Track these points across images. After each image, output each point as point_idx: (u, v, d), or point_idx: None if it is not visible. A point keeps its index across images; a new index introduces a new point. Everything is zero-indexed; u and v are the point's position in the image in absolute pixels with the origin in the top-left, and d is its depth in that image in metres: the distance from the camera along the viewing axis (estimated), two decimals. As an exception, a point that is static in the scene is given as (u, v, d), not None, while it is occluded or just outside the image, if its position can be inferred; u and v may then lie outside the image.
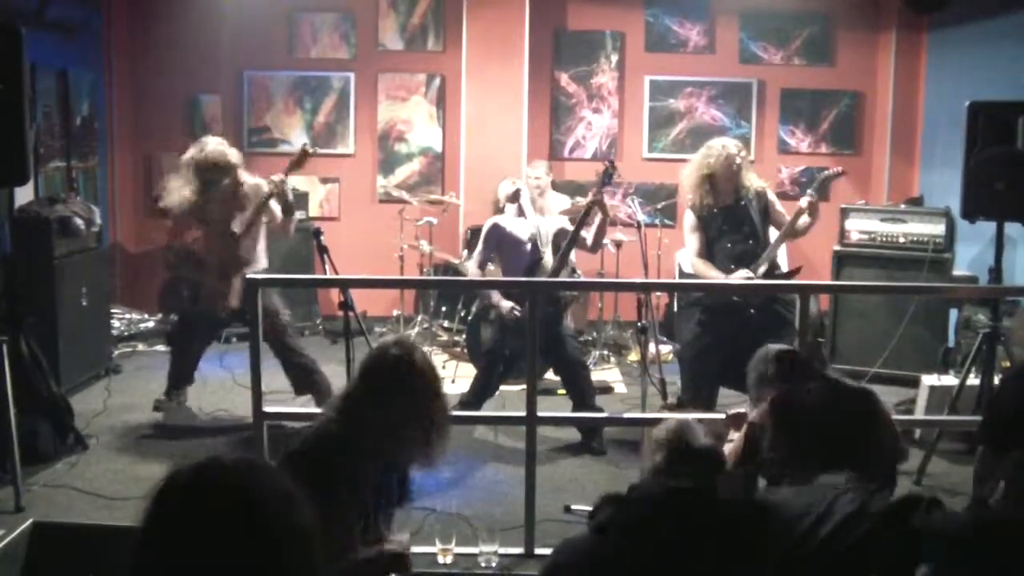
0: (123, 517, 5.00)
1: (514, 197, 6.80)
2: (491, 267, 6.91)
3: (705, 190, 6.30)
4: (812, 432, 3.67)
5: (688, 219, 6.50)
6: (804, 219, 6.24)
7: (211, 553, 1.80)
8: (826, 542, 3.25)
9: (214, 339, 7.17)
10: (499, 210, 6.98)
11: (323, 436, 3.40)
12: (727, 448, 4.38)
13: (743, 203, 6.32)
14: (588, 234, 6.59)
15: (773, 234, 6.38)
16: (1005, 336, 5.91)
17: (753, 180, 6.41)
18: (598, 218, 6.52)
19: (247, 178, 6.57)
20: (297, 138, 10.06)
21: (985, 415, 3.56)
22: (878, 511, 3.22)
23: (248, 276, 5.41)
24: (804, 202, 6.17)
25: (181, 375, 6.78)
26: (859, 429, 3.65)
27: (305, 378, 6.49)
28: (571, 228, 6.65)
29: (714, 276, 6.29)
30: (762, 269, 6.16)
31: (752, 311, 6.17)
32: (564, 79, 10.12)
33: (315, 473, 3.01)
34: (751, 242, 6.29)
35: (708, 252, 6.39)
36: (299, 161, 6.55)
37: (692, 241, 6.46)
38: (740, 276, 6.00)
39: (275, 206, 6.45)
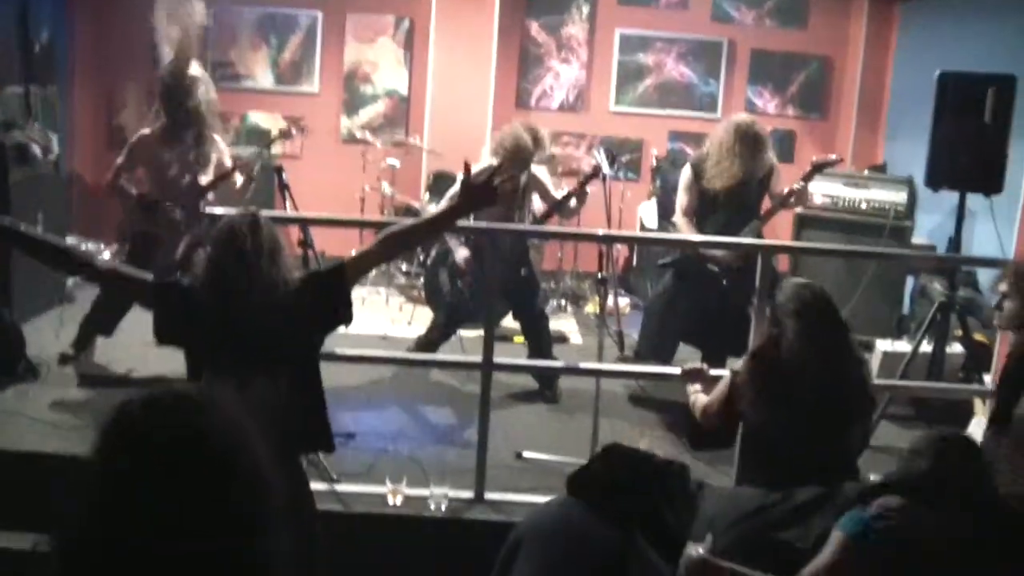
0: (72, 446, 4.97)
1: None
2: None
3: (723, 167, 6.22)
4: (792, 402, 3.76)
5: (686, 174, 6.46)
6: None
7: (162, 483, 1.76)
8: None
9: None
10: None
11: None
12: (693, 399, 4.45)
13: (749, 184, 6.29)
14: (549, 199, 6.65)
15: None
16: (962, 308, 5.99)
17: (770, 159, 6.39)
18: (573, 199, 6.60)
19: (217, 137, 6.29)
20: (262, 75, 9.96)
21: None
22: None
23: (208, 211, 5.31)
24: (796, 186, 6.18)
25: (102, 324, 6.35)
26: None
27: None
28: (551, 190, 6.67)
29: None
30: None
31: (725, 280, 6.20)
32: (534, 28, 10.05)
33: None
34: (739, 219, 6.28)
35: (698, 214, 6.38)
36: (279, 138, 6.42)
37: (683, 198, 6.44)
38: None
39: (238, 177, 6.26)
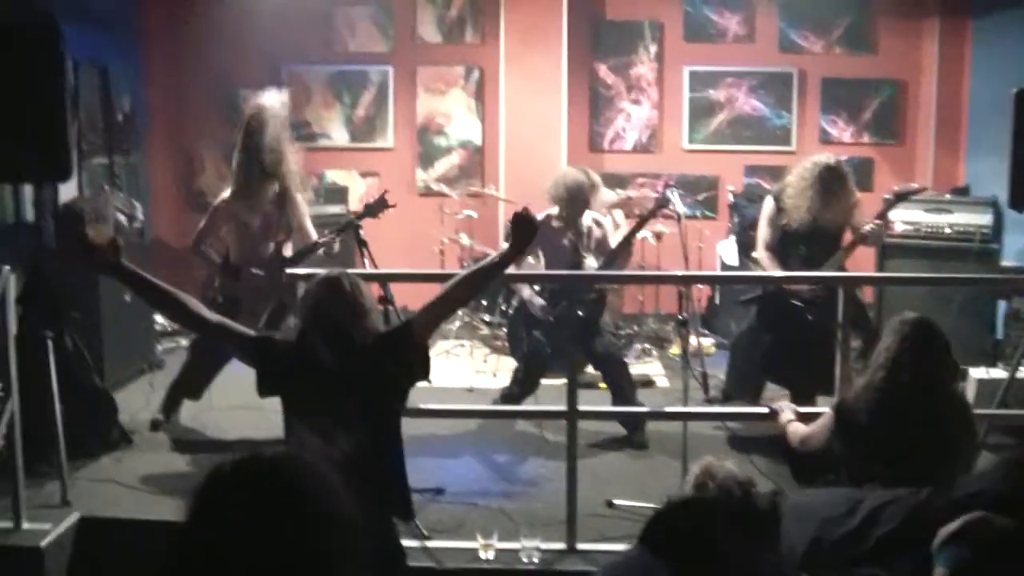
0: (167, 512, 5.05)
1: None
2: (531, 260, 6.87)
3: (797, 204, 6.18)
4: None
5: (767, 208, 6.44)
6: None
7: (253, 545, 1.81)
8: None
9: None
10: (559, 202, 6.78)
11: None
12: (790, 430, 4.45)
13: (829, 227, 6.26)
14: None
15: None
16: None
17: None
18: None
19: (299, 197, 6.37)
20: (337, 132, 10.12)
21: None
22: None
23: (289, 271, 5.38)
24: (870, 227, 6.10)
25: (190, 389, 6.48)
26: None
27: None
28: (609, 240, 6.73)
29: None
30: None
31: (810, 316, 6.13)
32: (603, 70, 10.08)
33: None
34: (822, 254, 6.22)
35: (779, 247, 6.34)
36: (374, 211, 6.30)
37: (765, 231, 6.42)
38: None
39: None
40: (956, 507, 3.03)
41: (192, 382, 6.48)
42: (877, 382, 3.98)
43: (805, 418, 4.56)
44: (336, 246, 6.34)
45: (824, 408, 4.39)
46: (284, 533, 1.83)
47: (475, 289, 4.13)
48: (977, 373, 6.46)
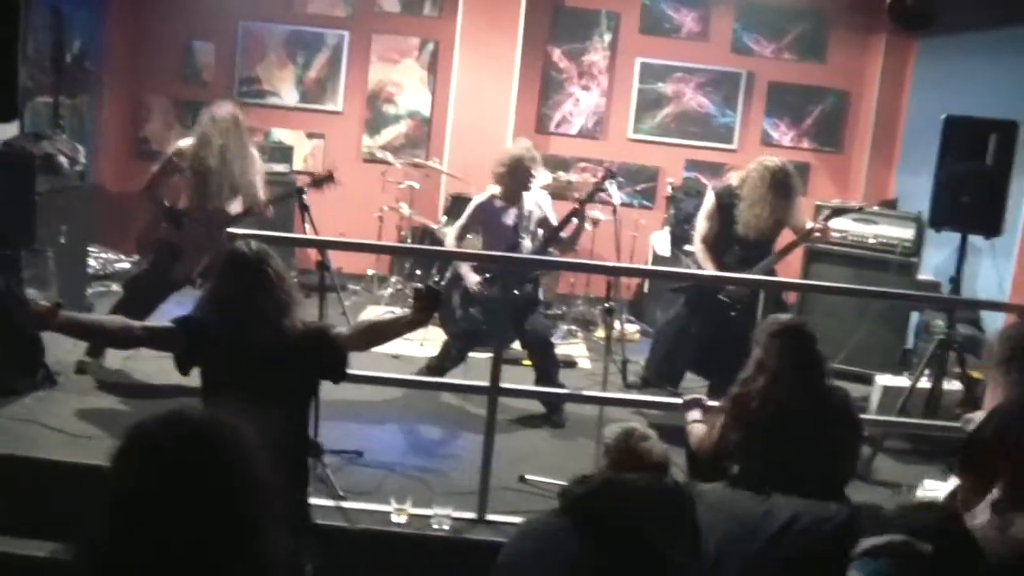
0: (87, 455, 5.08)
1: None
2: (470, 237, 6.98)
3: (755, 213, 6.37)
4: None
5: (708, 203, 6.63)
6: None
7: (175, 505, 1.90)
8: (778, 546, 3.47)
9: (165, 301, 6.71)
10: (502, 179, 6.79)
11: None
12: (690, 428, 4.60)
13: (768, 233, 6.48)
14: (564, 234, 6.73)
15: None
16: (961, 345, 6.09)
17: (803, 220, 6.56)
18: (575, 223, 6.64)
19: (255, 152, 6.58)
20: (287, 92, 10.15)
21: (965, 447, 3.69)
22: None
23: (230, 231, 5.44)
24: (817, 225, 6.41)
25: None
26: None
27: None
28: (552, 218, 6.77)
29: (709, 268, 6.45)
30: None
31: (734, 312, 6.34)
32: (556, 54, 10.20)
33: None
34: (756, 254, 6.46)
35: (716, 243, 6.54)
36: (320, 183, 6.50)
37: (703, 226, 6.62)
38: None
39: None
40: (877, 528, 3.20)
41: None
42: (761, 385, 4.15)
43: (714, 412, 4.71)
44: (270, 212, 6.50)
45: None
46: (206, 494, 1.92)
47: (378, 343, 4.39)
48: (883, 380, 6.68)
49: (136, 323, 4.16)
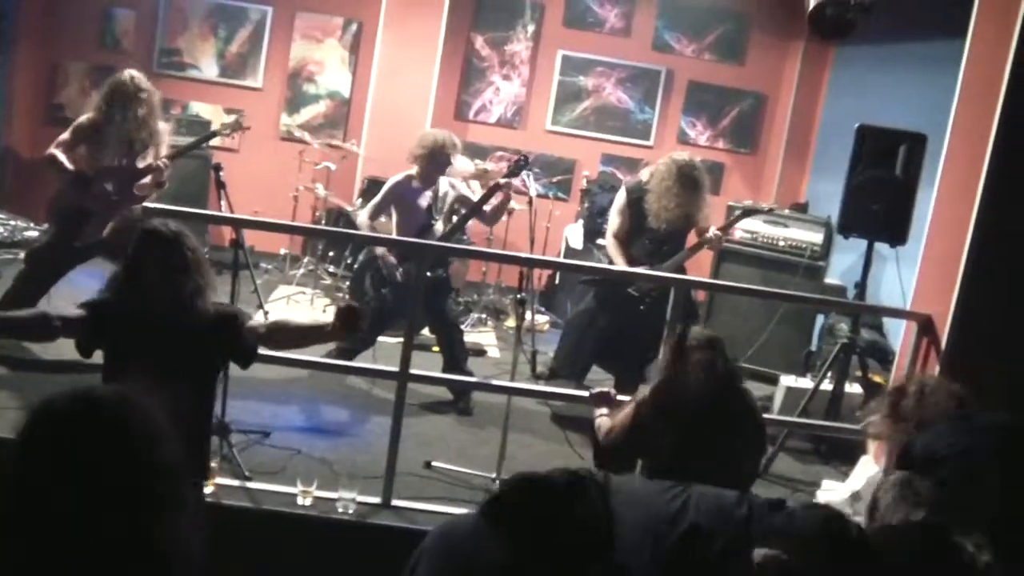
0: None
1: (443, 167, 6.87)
2: (383, 219, 6.98)
3: (663, 205, 6.45)
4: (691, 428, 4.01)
5: (620, 198, 6.71)
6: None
7: (81, 484, 1.90)
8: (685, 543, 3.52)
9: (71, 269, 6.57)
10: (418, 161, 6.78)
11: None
12: (598, 423, 4.66)
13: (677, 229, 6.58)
14: (487, 207, 6.73)
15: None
16: (863, 349, 6.25)
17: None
18: (500, 197, 6.65)
19: (161, 125, 6.46)
20: (207, 65, 10.02)
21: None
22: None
23: (144, 205, 5.37)
24: (711, 233, 6.53)
25: (24, 301, 6.13)
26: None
27: None
28: (471, 197, 6.78)
29: (620, 263, 6.52)
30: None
31: (643, 307, 6.43)
32: (479, 42, 10.22)
33: None
34: (666, 248, 6.55)
35: (627, 238, 6.62)
36: (230, 130, 6.64)
37: (615, 220, 6.70)
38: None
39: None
40: (771, 533, 3.28)
41: (24, 295, 6.39)
42: (670, 384, 4.24)
43: (622, 406, 4.78)
44: (166, 174, 6.42)
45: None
46: (113, 473, 1.92)
47: (294, 345, 4.39)
48: (787, 381, 6.83)
49: (52, 314, 4.07)
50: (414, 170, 6.73)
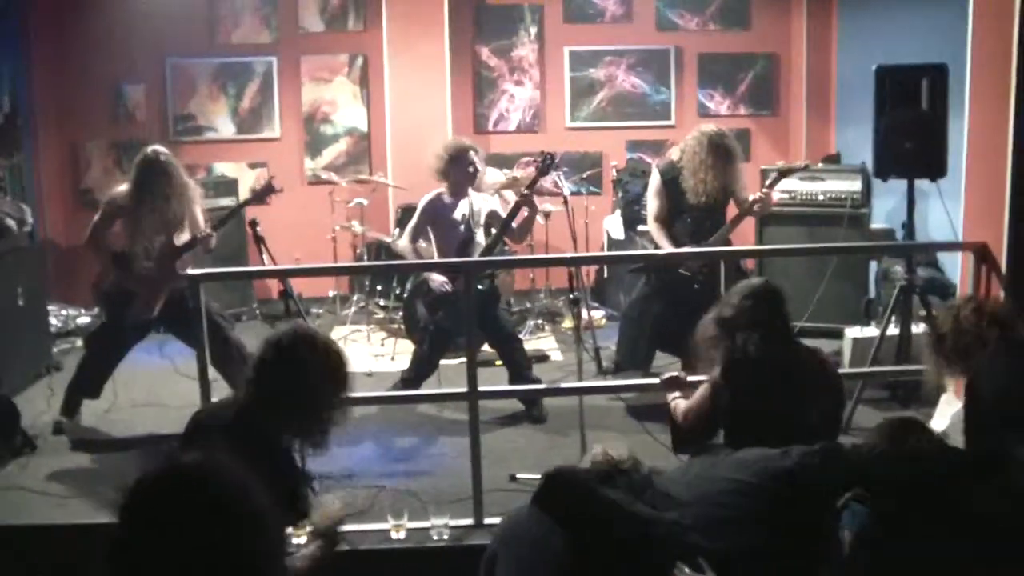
0: (77, 515, 5.11)
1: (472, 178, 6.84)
2: (422, 243, 6.99)
3: (699, 179, 6.46)
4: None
5: (654, 181, 6.72)
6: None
7: (184, 554, 1.95)
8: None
9: (131, 349, 6.63)
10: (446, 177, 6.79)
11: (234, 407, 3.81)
12: (673, 405, 4.68)
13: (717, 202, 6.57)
14: (515, 224, 6.70)
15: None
16: (922, 288, 6.20)
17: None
18: (526, 211, 6.60)
19: (191, 191, 6.44)
20: (223, 124, 10.11)
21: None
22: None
23: (189, 272, 5.40)
24: (758, 194, 6.49)
25: (90, 387, 6.50)
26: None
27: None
28: (502, 211, 6.78)
29: (665, 246, 6.51)
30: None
31: (697, 285, 6.42)
32: (485, 53, 10.24)
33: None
34: (708, 223, 6.53)
35: (668, 219, 6.62)
36: (261, 196, 6.53)
37: (653, 204, 6.71)
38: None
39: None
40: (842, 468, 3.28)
41: (89, 380, 6.49)
42: (742, 344, 4.26)
43: (694, 386, 4.78)
44: (213, 241, 6.36)
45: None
46: (212, 538, 1.97)
47: None
48: (852, 332, 6.77)
49: None
50: (443, 186, 6.75)
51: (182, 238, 6.34)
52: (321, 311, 9.27)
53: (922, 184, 6.32)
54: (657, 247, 6.67)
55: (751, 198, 6.51)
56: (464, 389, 5.11)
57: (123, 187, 6.35)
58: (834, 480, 3.35)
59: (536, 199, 6.63)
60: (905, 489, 2.78)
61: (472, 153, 6.69)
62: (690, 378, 4.81)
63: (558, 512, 3.16)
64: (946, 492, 2.71)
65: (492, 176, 8.66)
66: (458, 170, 6.66)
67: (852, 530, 3.10)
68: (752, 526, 3.47)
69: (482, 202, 6.78)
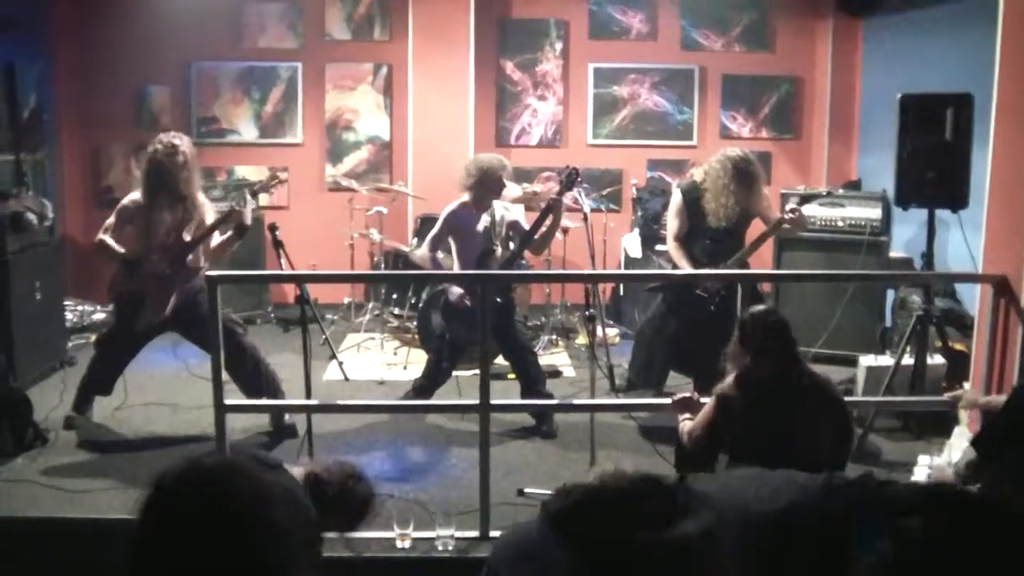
0: (86, 509, 5.13)
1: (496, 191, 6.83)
2: (441, 255, 7.01)
3: (721, 203, 6.46)
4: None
5: (675, 200, 6.71)
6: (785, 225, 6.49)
7: (205, 553, 1.94)
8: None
9: (142, 348, 6.63)
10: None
11: None
12: (682, 427, 4.67)
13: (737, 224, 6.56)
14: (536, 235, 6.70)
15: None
16: (940, 319, 6.17)
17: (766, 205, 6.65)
18: (549, 220, 6.58)
19: (201, 197, 6.40)
20: (246, 128, 10.14)
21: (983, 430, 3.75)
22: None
23: (207, 273, 5.40)
24: (786, 215, 6.43)
25: (100, 385, 6.52)
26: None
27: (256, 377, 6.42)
28: (523, 223, 6.78)
29: (684, 266, 6.51)
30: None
31: (713, 307, 6.41)
32: (509, 67, 10.26)
33: None
34: (727, 245, 6.54)
35: (687, 239, 6.61)
36: (267, 187, 6.53)
37: (673, 223, 6.70)
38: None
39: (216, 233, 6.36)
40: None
41: (100, 378, 6.51)
42: (746, 369, 4.26)
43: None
44: (246, 220, 6.29)
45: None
46: (233, 538, 1.96)
47: None
48: (867, 360, 6.73)
49: None
50: (466, 197, 6.73)
51: (189, 235, 6.29)
52: (335, 318, 9.28)
53: (943, 213, 6.29)
54: (675, 266, 6.67)
55: (780, 216, 6.49)
56: (476, 401, 5.11)
57: (135, 195, 6.30)
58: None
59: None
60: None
61: (499, 172, 6.68)
62: (701, 399, 4.79)
63: (579, 534, 3.10)
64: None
65: (511, 190, 8.65)
66: (485, 189, 6.65)
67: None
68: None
69: (504, 211, 6.77)
